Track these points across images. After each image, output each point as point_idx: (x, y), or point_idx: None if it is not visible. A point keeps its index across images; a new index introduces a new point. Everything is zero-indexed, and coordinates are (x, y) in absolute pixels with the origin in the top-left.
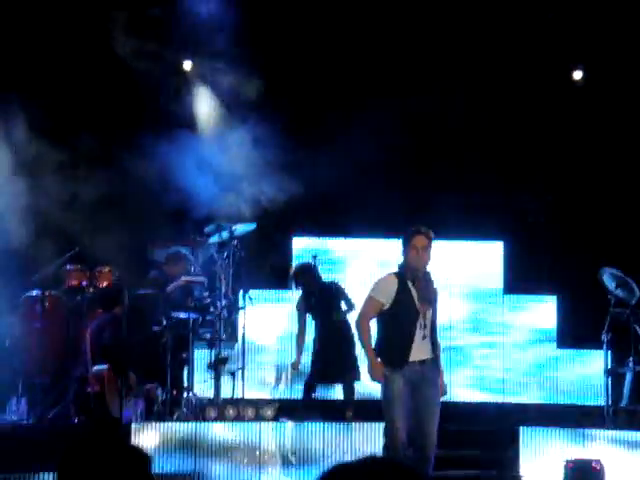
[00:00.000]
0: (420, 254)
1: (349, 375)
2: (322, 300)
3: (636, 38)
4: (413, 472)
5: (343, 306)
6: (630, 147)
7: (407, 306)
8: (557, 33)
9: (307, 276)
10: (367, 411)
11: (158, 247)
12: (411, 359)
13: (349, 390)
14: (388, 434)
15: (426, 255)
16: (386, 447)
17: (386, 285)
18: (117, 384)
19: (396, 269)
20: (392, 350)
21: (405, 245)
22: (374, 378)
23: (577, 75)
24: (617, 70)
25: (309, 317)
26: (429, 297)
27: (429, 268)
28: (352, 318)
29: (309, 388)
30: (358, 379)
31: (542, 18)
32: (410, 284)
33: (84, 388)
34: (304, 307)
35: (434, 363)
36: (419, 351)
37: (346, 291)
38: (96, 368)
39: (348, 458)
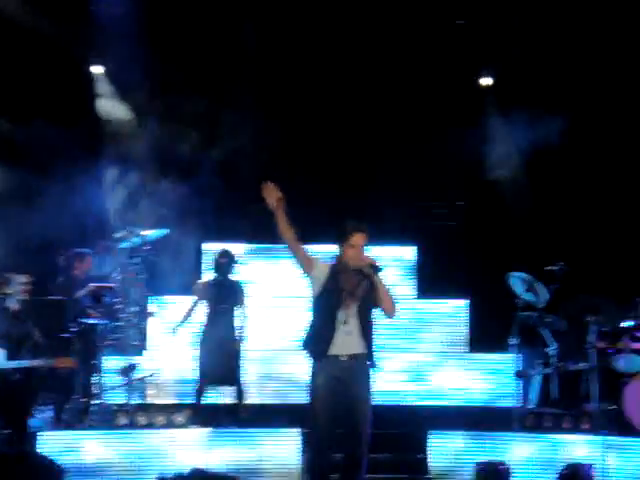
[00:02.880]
0: (358, 253)
1: (238, 376)
2: (226, 294)
3: (543, 44)
4: None
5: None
6: (539, 151)
7: (332, 298)
8: (466, 40)
9: (226, 264)
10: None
11: (64, 253)
12: (333, 353)
13: (240, 392)
14: (308, 436)
15: (363, 254)
16: (305, 451)
17: (323, 265)
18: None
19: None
20: (313, 341)
21: (342, 241)
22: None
23: (485, 81)
24: (525, 75)
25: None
26: (356, 292)
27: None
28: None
29: (200, 392)
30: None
31: (451, 25)
32: (340, 277)
33: None
34: (205, 294)
35: (365, 359)
36: (344, 346)
37: (245, 295)
38: None
39: (262, 463)
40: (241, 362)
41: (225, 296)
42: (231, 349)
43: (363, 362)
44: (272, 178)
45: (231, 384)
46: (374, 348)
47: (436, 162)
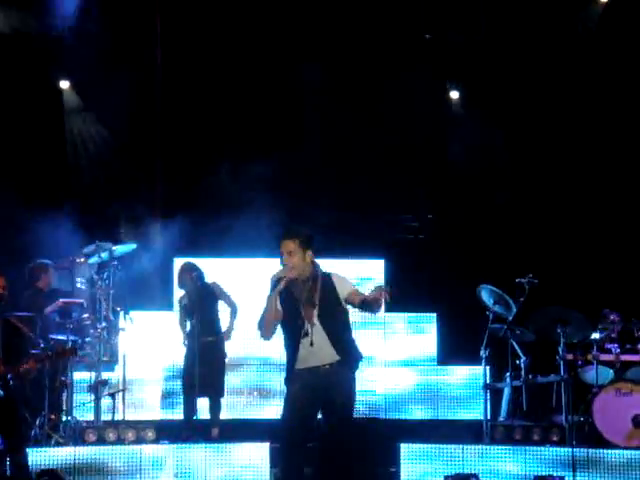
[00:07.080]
0: (286, 260)
1: (217, 392)
2: (198, 301)
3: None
4: None
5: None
6: (506, 168)
7: (289, 314)
8: (434, 53)
9: (185, 275)
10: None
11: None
12: (302, 367)
13: (216, 408)
14: (278, 452)
15: (294, 259)
16: (273, 465)
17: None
18: None
19: None
20: (286, 360)
21: None
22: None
23: (454, 95)
24: (494, 90)
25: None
26: (312, 300)
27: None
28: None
29: (188, 404)
30: (222, 396)
31: (419, 39)
32: (292, 290)
33: None
34: (182, 308)
35: (340, 366)
36: (311, 359)
37: (226, 291)
38: None
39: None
40: (223, 376)
41: (205, 302)
42: (217, 358)
43: (337, 369)
44: (240, 195)
45: (212, 395)
46: (350, 349)
47: (407, 174)
